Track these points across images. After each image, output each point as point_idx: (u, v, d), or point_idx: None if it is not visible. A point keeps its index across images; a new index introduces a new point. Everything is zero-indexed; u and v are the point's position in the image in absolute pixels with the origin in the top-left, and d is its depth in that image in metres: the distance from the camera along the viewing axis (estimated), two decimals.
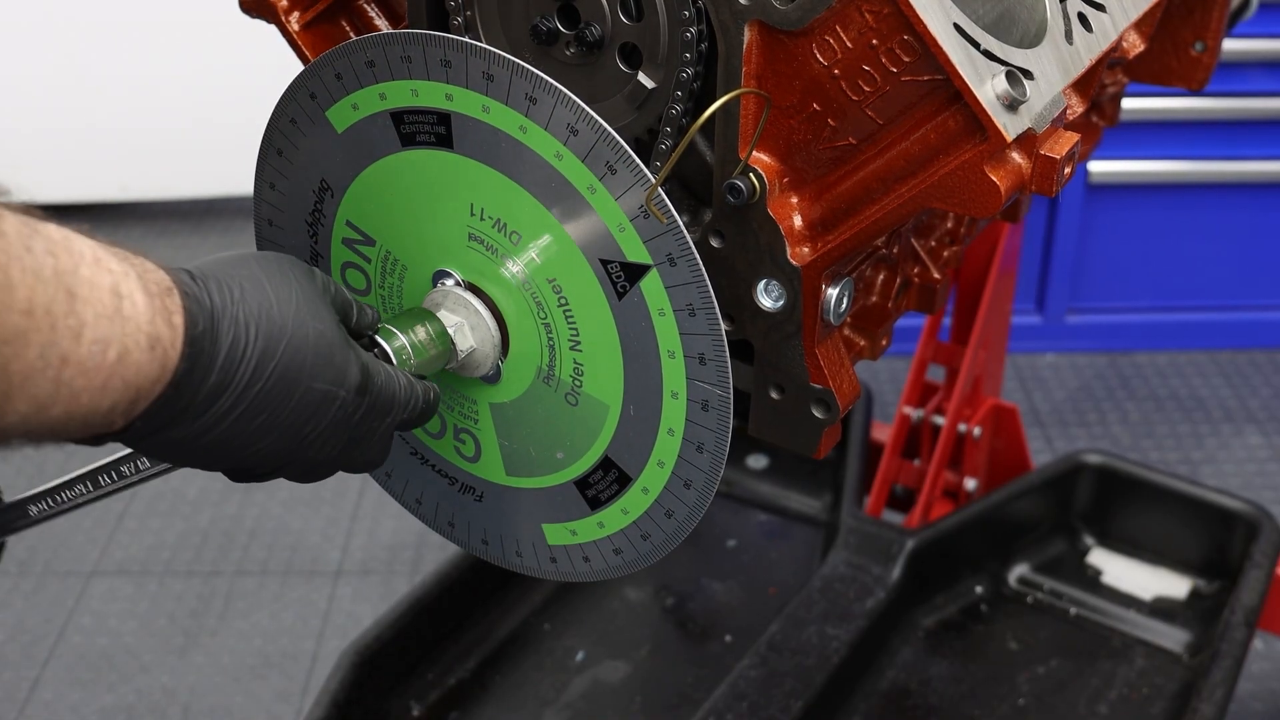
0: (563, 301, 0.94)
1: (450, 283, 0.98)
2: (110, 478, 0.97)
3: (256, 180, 1.03)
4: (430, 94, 0.92)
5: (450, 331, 0.96)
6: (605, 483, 1.00)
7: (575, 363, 0.96)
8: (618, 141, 0.87)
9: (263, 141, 1.01)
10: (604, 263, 0.91)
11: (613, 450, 0.98)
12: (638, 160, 0.87)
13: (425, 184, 0.96)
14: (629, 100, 0.95)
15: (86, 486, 0.99)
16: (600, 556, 1.04)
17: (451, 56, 0.90)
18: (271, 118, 1.00)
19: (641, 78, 0.94)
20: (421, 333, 0.95)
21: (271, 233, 1.06)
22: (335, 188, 1.00)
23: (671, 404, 0.94)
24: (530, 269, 0.94)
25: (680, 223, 0.88)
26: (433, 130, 0.93)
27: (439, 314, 0.97)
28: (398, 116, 0.94)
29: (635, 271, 0.91)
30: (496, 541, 1.09)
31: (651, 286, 0.91)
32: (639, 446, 0.97)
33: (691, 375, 0.93)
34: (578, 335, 0.95)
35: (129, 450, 0.94)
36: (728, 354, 0.91)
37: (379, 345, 0.93)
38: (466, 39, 0.90)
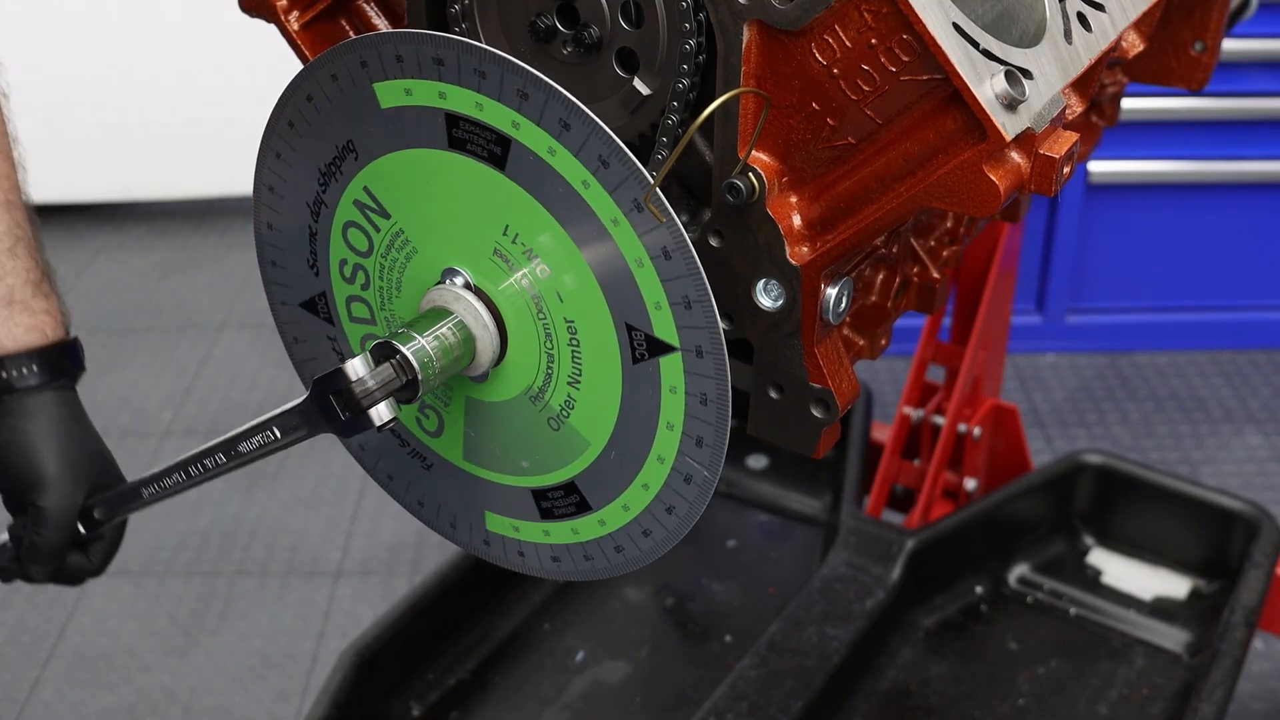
0: (574, 342, 0.95)
1: (460, 282, 0.97)
2: (203, 467, 1.06)
3: (274, 116, 1.02)
4: (498, 115, 0.91)
5: (474, 337, 0.96)
6: (564, 503, 1.01)
7: (569, 396, 0.97)
8: (678, 227, 0.88)
9: (295, 81, 1.00)
10: (629, 328, 0.92)
11: (581, 480, 1.00)
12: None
13: (464, 190, 0.95)
14: (623, 104, 0.95)
15: (183, 474, 1.07)
16: (535, 555, 1.05)
17: (531, 91, 0.89)
18: (312, 65, 0.98)
19: (637, 83, 0.95)
20: (447, 335, 0.95)
21: (279, 166, 1.04)
22: (361, 152, 0.99)
23: (656, 466, 0.96)
24: (550, 303, 0.95)
25: (717, 318, 0.89)
26: (488, 147, 0.93)
27: (457, 315, 0.97)
28: (453, 120, 0.93)
29: (658, 347, 0.92)
30: (433, 508, 1.10)
31: (670, 365, 0.92)
32: (609, 487, 0.98)
33: (685, 451, 0.94)
34: (580, 375, 0.96)
35: (221, 440, 1.04)
36: (726, 442, 0.92)
37: (399, 351, 0.93)
38: (539, 74, 0.89)
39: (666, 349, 0.91)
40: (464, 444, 1.05)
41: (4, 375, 1.13)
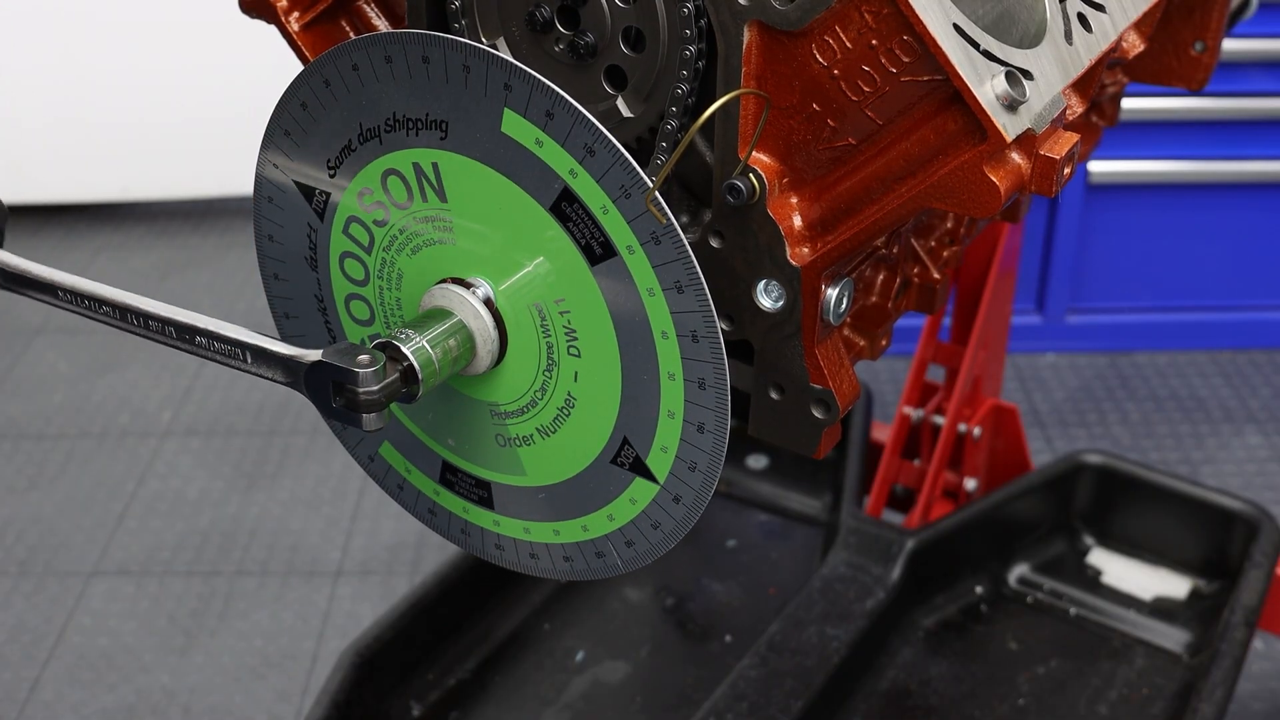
0: (575, 375, 0.95)
1: (480, 293, 0.95)
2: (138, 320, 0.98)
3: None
4: (620, 231, 0.89)
5: (477, 340, 0.96)
6: (466, 486, 1.04)
7: (529, 437, 0.99)
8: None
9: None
10: (625, 442, 0.95)
11: (496, 492, 1.02)
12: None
13: (543, 247, 0.93)
14: (602, 118, 0.94)
15: (114, 310, 0.98)
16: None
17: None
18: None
19: (620, 103, 0.95)
20: (454, 341, 0.95)
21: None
22: (449, 132, 0.94)
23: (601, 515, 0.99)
24: (563, 379, 0.96)
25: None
26: (594, 240, 0.91)
27: (462, 320, 0.96)
28: (568, 195, 0.90)
29: (640, 468, 0.95)
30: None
31: (643, 487, 0.96)
32: (597, 495, 1.00)
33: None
34: (573, 405, 0.97)
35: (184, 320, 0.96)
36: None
37: (401, 354, 0.92)
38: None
39: (648, 474, 0.95)
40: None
41: None
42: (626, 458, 0.95)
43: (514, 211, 0.93)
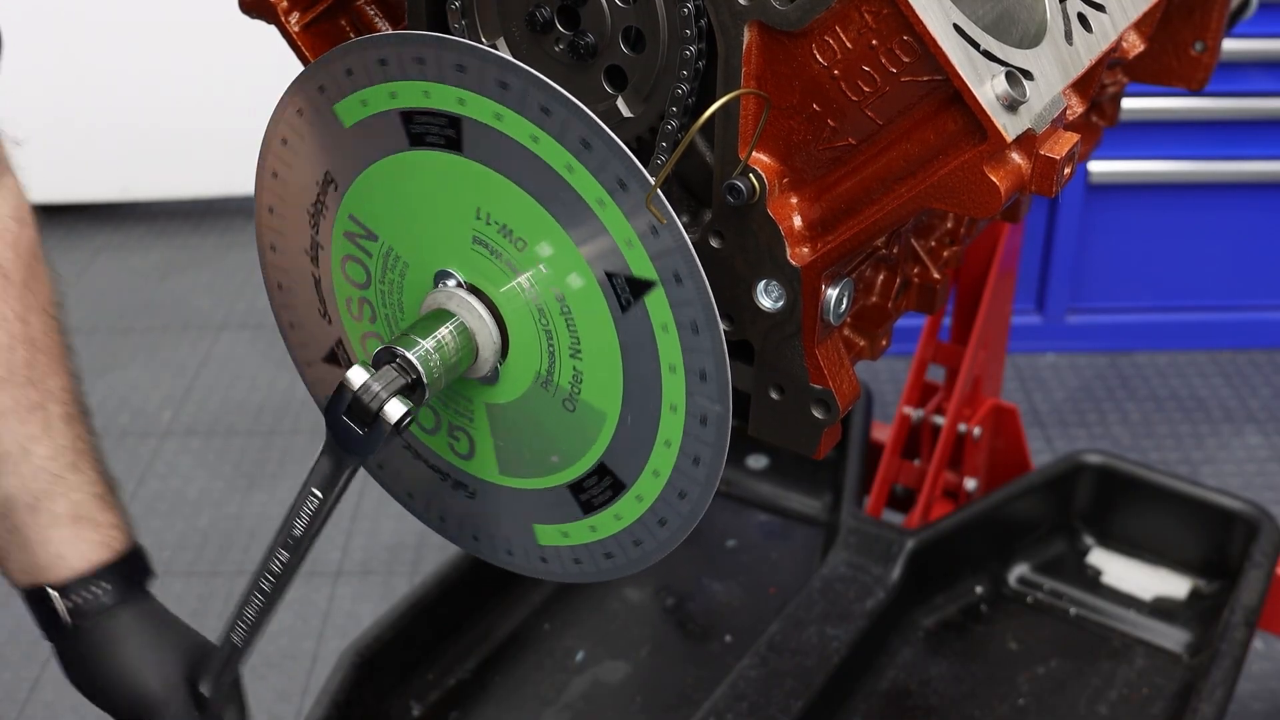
0: (565, 310, 0.94)
1: (452, 284, 0.97)
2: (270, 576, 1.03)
3: (259, 168, 1.03)
4: (442, 97, 0.92)
5: (473, 335, 0.96)
6: (599, 488, 1.00)
7: (575, 370, 0.96)
8: (631, 158, 0.87)
9: (267, 131, 1.01)
10: (609, 275, 0.91)
11: (608, 457, 0.98)
12: (646, 174, 0.87)
13: (431, 184, 0.96)
14: (601, 116, 0.95)
15: (258, 594, 1.04)
16: (591, 559, 1.04)
17: (466, 61, 0.90)
18: (277, 108, 0.99)
19: (620, 104, 0.95)
20: (445, 334, 0.95)
21: (273, 220, 1.05)
22: (340, 181, 0.99)
23: (670, 417, 0.94)
24: (534, 276, 0.94)
25: (686, 239, 0.88)
26: (442, 133, 0.93)
27: (451, 311, 0.97)
28: (407, 116, 0.94)
29: (640, 287, 0.91)
30: (488, 540, 1.09)
31: (656, 302, 0.90)
32: (635, 456, 0.97)
33: (692, 390, 0.92)
34: (579, 344, 0.95)
35: (274, 537, 1.02)
36: (729, 372, 0.91)
37: (400, 354, 0.93)
38: (484, 46, 0.90)
39: (647, 286, 0.90)
40: (496, 458, 1.04)
41: (80, 598, 1.11)
42: (622, 288, 0.93)
43: (411, 182, 0.96)
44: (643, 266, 0.90)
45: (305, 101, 0.98)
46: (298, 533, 1.01)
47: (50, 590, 1.11)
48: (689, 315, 0.90)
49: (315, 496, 1.00)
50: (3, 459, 1.07)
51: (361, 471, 1.02)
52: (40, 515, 1.09)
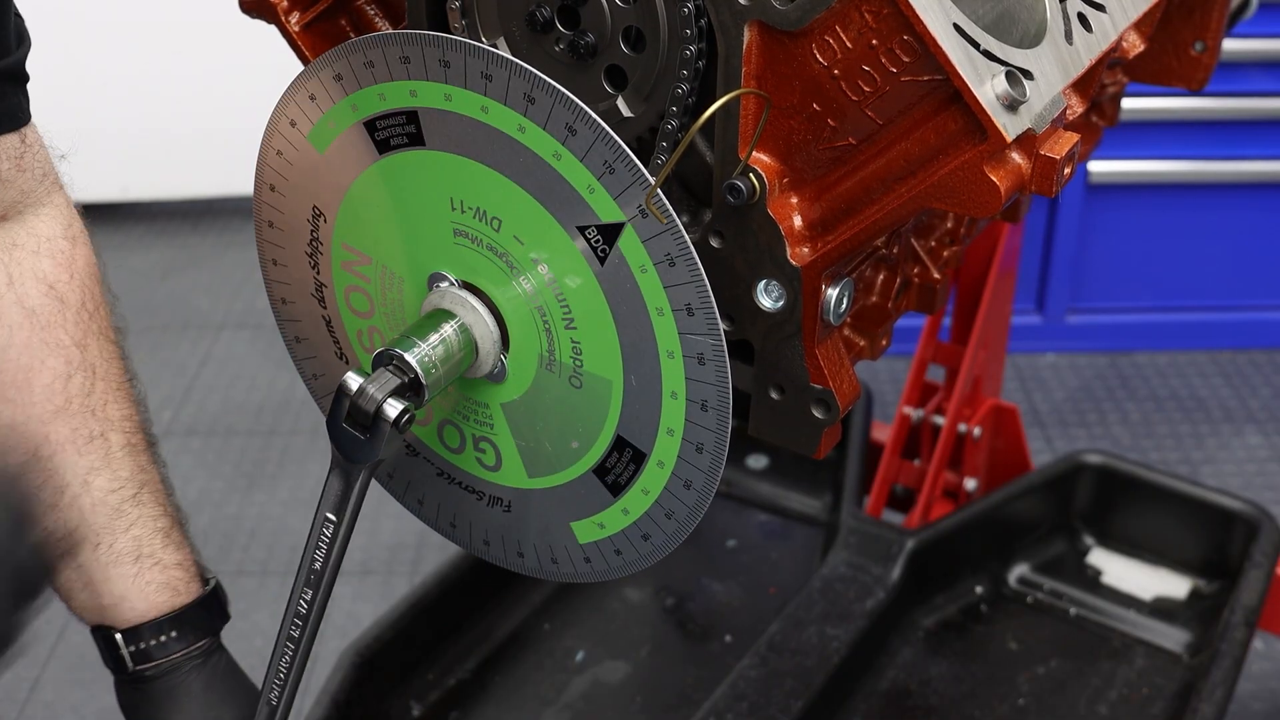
0: (551, 280, 0.94)
1: (445, 285, 0.97)
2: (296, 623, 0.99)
3: (256, 220, 1.03)
4: (396, 94, 0.92)
5: (471, 328, 0.96)
6: (622, 464, 0.99)
7: (573, 341, 0.96)
8: (572, 99, 0.87)
9: (255, 180, 1.01)
10: (580, 230, 0.91)
11: (623, 428, 0.98)
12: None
13: (406, 187, 0.96)
14: (602, 118, 0.95)
15: (289, 642, 1.00)
16: (630, 546, 1.03)
17: (408, 50, 0.90)
18: (259, 154, 0.99)
19: (620, 103, 0.95)
20: (442, 332, 0.95)
21: (277, 272, 1.06)
22: (326, 212, 1.00)
23: (670, 364, 0.94)
24: (515, 254, 0.94)
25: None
26: (404, 130, 0.93)
27: (445, 307, 0.97)
28: (370, 125, 0.94)
29: (611, 232, 0.90)
30: (530, 552, 1.08)
31: (630, 244, 0.90)
32: (647, 419, 0.96)
33: (682, 329, 0.92)
34: (570, 312, 0.95)
35: (296, 578, 0.99)
36: (714, 302, 0.91)
37: (399, 357, 0.93)
38: (448, 35, 0.90)
39: (618, 230, 0.89)
40: (523, 462, 1.04)
41: (145, 644, 1.07)
42: (595, 239, 0.93)
43: (387, 192, 0.97)
44: (608, 210, 0.89)
45: (283, 141, 0.98)
46: (318, 565, 0.97)
47: (116, 635, 1.07)
48: (662, 248, 0.89)
49: (330, 521, 0.97)
50: (63, 493, 1.03)
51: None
52: (101, 552, 1.05)
